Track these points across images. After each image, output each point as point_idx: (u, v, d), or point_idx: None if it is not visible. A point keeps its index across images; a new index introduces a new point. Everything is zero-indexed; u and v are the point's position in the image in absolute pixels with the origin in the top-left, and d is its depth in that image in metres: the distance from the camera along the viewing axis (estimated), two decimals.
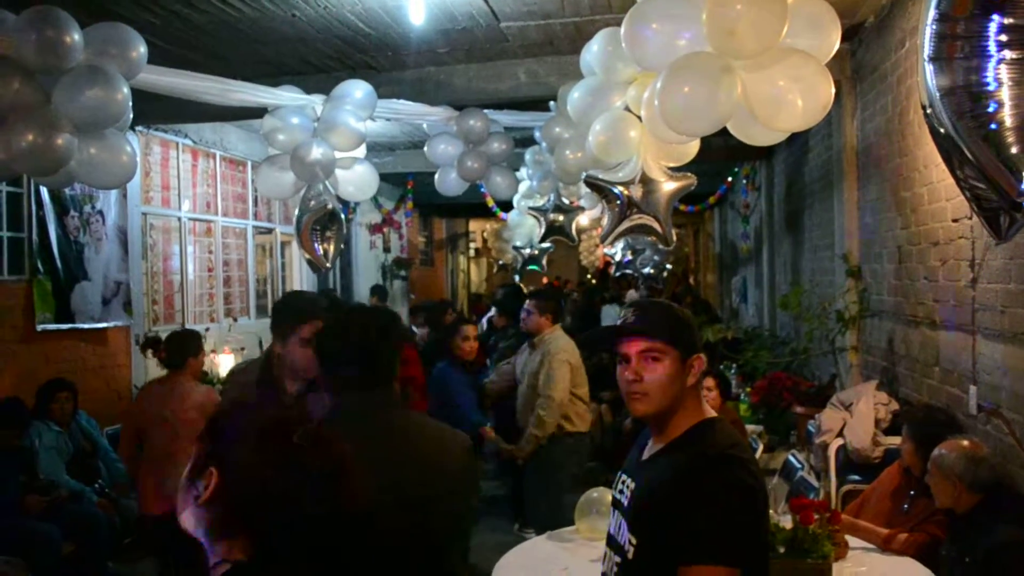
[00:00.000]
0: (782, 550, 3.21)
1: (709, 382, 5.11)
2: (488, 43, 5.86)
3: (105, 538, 5.33)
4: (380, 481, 1.59)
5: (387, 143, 9.98)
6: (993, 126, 2.17)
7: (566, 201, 7.48)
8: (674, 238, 4.74)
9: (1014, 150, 2.15)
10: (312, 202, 5.62)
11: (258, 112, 5.57)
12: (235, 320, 9.23)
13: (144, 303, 7.73)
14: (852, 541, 3.48)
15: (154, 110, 5.65)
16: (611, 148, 4.22)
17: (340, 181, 5.75)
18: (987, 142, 2.17)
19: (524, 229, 10.33)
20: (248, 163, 9.47)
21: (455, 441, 2.28)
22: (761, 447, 5.60)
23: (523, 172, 7.54)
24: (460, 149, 6.29)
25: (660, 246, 8.00)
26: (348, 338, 2.25)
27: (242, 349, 8.61)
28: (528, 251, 10.68)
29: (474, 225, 21.05)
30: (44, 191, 6.31)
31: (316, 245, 5.73)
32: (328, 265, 5.90)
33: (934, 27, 2.33)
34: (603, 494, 3.59)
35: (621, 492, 2.08)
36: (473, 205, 13.14)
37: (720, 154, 9.43)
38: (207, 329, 8.11)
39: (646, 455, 2.07)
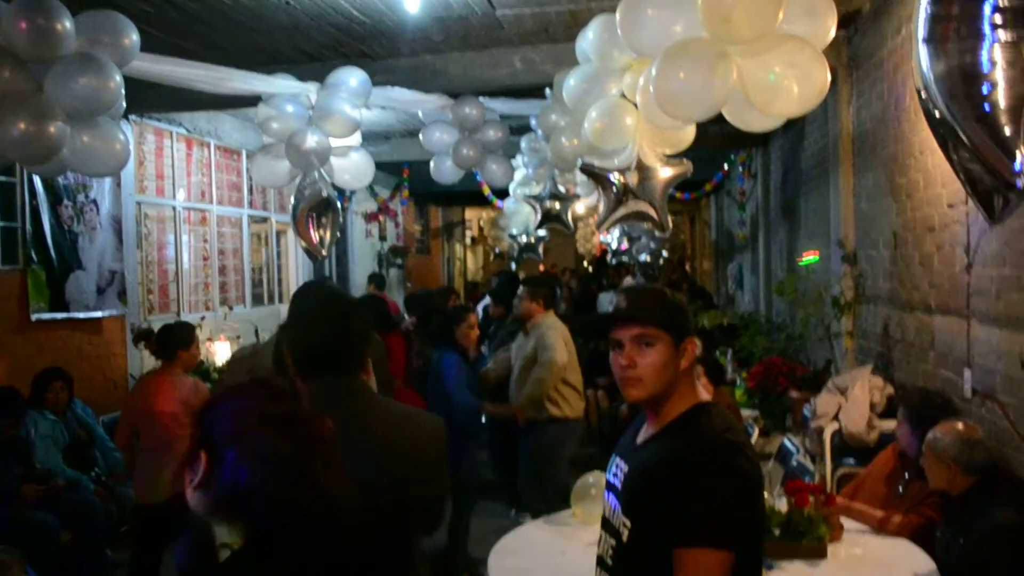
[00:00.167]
0: (778, 533, 3.24)
1: (697, 369, 5.11)
2: (483, 31, 5.84)
3: (102, 526, 5.33)
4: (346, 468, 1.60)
5: (383, 131, 9.95)
6: (987, 107, 2.18)
7: (562, 189, 7.47)
8: (670, 224, 4.75)
9: (1008, 131, 2.15)
10: (307, 190, 5.62)
11: (253, 101, 5.55)
12: (231, 309, 9.22)
13: (139, 292, 7.72)
14: (847, 523, 3.50)
15: (148, 99, 5.63)
16: (607, 135, 4.22)
17: (335, 169, 5.75)
18: (981, 123, 2.18)
19: (520, 217, 10.33)
20: (243, 152, 9.44)
21: (425, 427, 2.26)
22: (757, 432, 5.62)
23: (519, 160, 7.54)
24: (455, 137, 6.29)
25: (656, 233, 8.01)
26: (314, 326, 2.26)
27: (238, 338, 8.61)
28: (524, 239, 10.68)
29: (470, 213, 21.03)
30: (37, 180, 6.29)
31: (312, 233, 5.73)
32: (324, 253, 5.90)
33: (929, 8, 2.33)
34: (599, 478, 3.60)
35: (615, 475, 2.08)
36: (469, 193, 13.12)
37: (716, 141, 9.41)
38: (203, 318, 8.10)
39: (640, 439, 2.07)
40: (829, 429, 4.88)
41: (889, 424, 4.47)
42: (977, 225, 3.92)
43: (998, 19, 2.18)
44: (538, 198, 7.56)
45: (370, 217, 13.46)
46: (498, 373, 5.97)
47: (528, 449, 5.47)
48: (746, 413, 6.02)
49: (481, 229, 21.19)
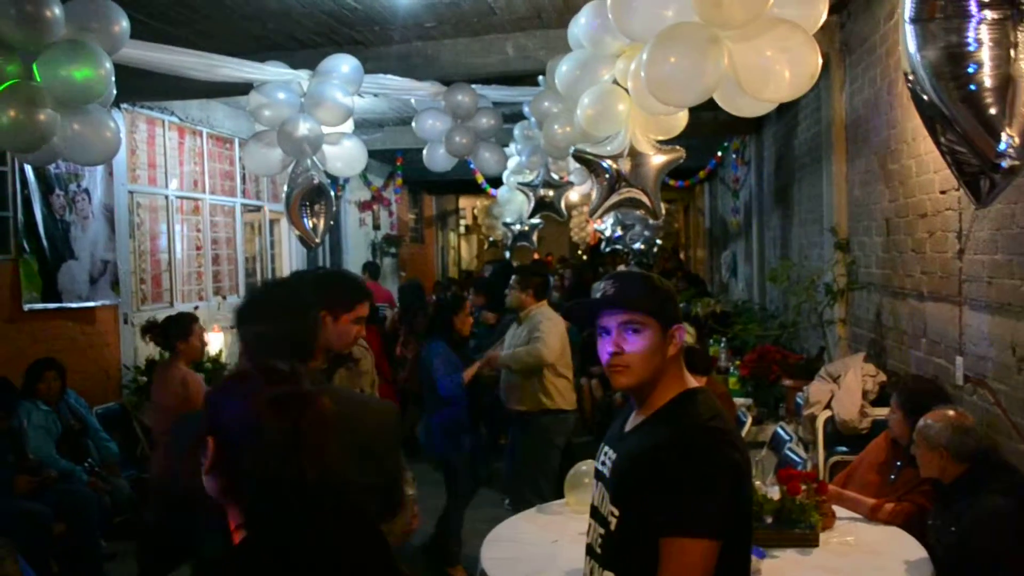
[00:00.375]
0: (770, 520, 3.24)
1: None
2: (476, 17, 5.81)
3: (95, 517, 5.33)
4: None
5: (376, 119, 9.92)
6: (972, 87, 2.17)
7: (555, 176, 7.45)
8: (663, 211, 4.74)
9: (993, 111, 2.15)
10: (300, 178, 5.60)
11: (244, 88, 5.52)
12: (224, 298, 9.20)
13: (132, 282, 7.69)
14: (839, 511, 3.51)
15: (139, 87, 5.59)
16: (599, 121, 4.21)
17: (328, 157, 5.73)
18: (966, 103, 2.17)
19: (514, 205, 10.30)
20: (235, 140, 9.39)
21: (374, 413, 2.27)
22: (750, 420, 5.63)
23: (512, 148, 7.51)
24: (448, 125, 6.27)
25: (649, 220, 8.00)
26: (265, 314, 2.31)
27: (232, 327, 8.58)
28: (518, 227, 10.66)
29: (464, 202, 21.00)
30: (29, 170, 6.26)
31: (305, 220, 5.71)
32: (318, 240, 5.88)
33: None
34: (592, 467, 3.59)
35: (603, 464, 2.07)
36: (463, 182, 13.10)
37: (709, 128, 9.41)
38: (196, 308, 8.08)
39: (628, 426, 2.06)
40: (822, 417, 4.89)
41: (881, 412, 4.48)
42: (969, 211, 3.91)
43: None
44: (531, 186, 7.53)
45: (364, 206, 13.43)
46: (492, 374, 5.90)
47: (520, 439, 5.47)
48: (739, 401, 6.02)
49: (475, 218, 21.16)
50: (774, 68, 3.11)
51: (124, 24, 4.02)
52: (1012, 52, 2.12)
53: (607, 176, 4.35)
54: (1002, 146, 2.16)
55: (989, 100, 2.15)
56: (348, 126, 5.81)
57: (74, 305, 6.78)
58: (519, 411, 5.41)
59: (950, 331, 4.19)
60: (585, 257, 20.14)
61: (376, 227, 14.13)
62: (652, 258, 15.26)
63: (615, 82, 4.13)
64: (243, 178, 9.73)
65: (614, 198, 4.40)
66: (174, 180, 8.39)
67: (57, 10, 3.70)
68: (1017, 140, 2.14)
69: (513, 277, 5.63)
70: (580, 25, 4.14)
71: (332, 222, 6.11)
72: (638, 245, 14.22)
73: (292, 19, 5.75)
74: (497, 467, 6.60)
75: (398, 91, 6.16)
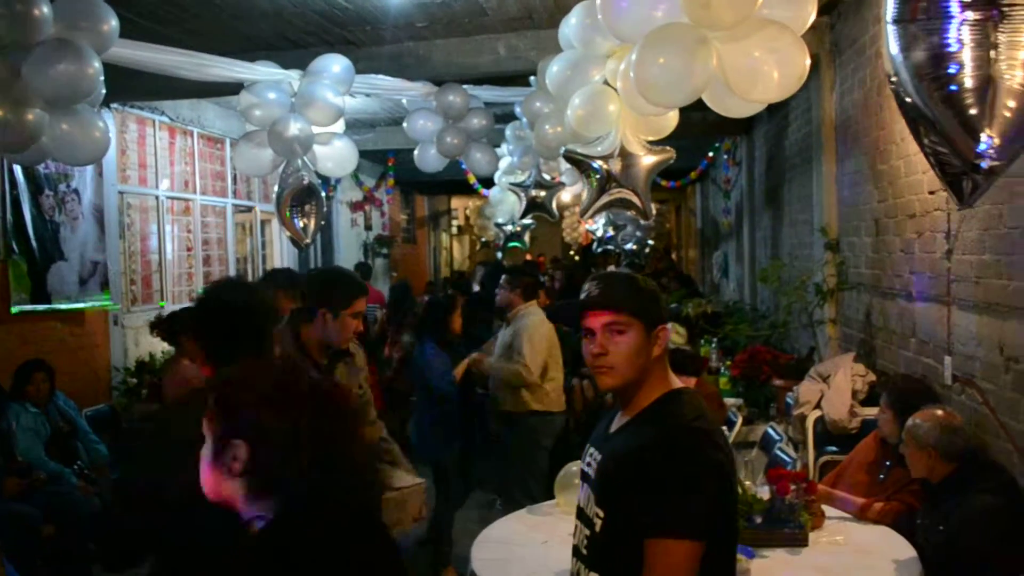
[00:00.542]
0: (759, 520, 3.25)
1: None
2: (467, 17, 5.81)
3: (85, 519, 5.31)
4: None
5: (368, 120, 9.90)
6: (953, 88, 2.17)
7: (547, 177, 7.44)
8: (653, 212, 4.74)
9: (973, 111, 2.15)
10: (290, 178, 5.58)
11: (235, 88, 5.50)
12: None
13: (122, 283, 7.67)
14: (828, 511, 3.52)
15: (130, 87, 5.57)
16: (590, 122, 4.21)
17: (319, 157, 5.71)
18: (947, 104, 2.18)
19: (506, 206, 10.30)
20: (227, 140, 9.37)
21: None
22: (740, 420, 5.64)
23: (504, 148, 7.51)
24: (439, 125, 6.26)
25: (640, 220, 7.99)
26: (219, 313, 2.38)
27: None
28: (510, 228, 10.65)
29: (456, 202, 20.99)
30: (18, 170, 6.23)
31: (296, 221, 5.70)
32: (308, 241, 5.87)
33: None
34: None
35: (589, 465, 2.07)
36: (455, 182, 13.09)
37: (700, 128, 9.42)
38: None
39: (613, 427, 2.06)
40: (811, 417, 4.90)
41: (871, 411, 4.49)
42: (957, 212, 3.93)
43: None
44: (523, 186, 7.53)
45: (355, 206, 13.41)
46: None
47: (509, 441, 5.48)
48: (730, 401, 6.03)
49: (467, 218, 21.16)
50: (762, 69, 3.12)
51: (113, 23, 4.00)
52: (992, 53, 2.13)
53: (597, 177, 4.35)
54: (982, 146, 2.17)
55: (969, 101, 2.16)
56: (339, 126, 5.80)
57: (64, 306, 6.75)
58: (507, 412, 5.41)
59: (939, 331, 4.20)
60: (577, 258, 20.12)
61: (368, 227, 14.11)
62: (644, 258, 15.26)
63: (606, 83, 4.13)
64: (234, 178, 9.70)
65: (604, 199, 4.40)
66: (165, 180, 8.37)
67: (45, 9, 3.69)
68: (997, 141, 2.15)
69: (503, 277, 5.64)
70: (571, 26, 4.14)
71: (323, 222, 6.10)
72: (630, 245, 14.21)
73: (283, 19, 5.75)
74: (488, 467, 6.59)
75: (389, 91, 6.16)
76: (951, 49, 2.16)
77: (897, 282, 4.84)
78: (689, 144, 10.81)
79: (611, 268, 13.32)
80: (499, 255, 12.45)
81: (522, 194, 7.58)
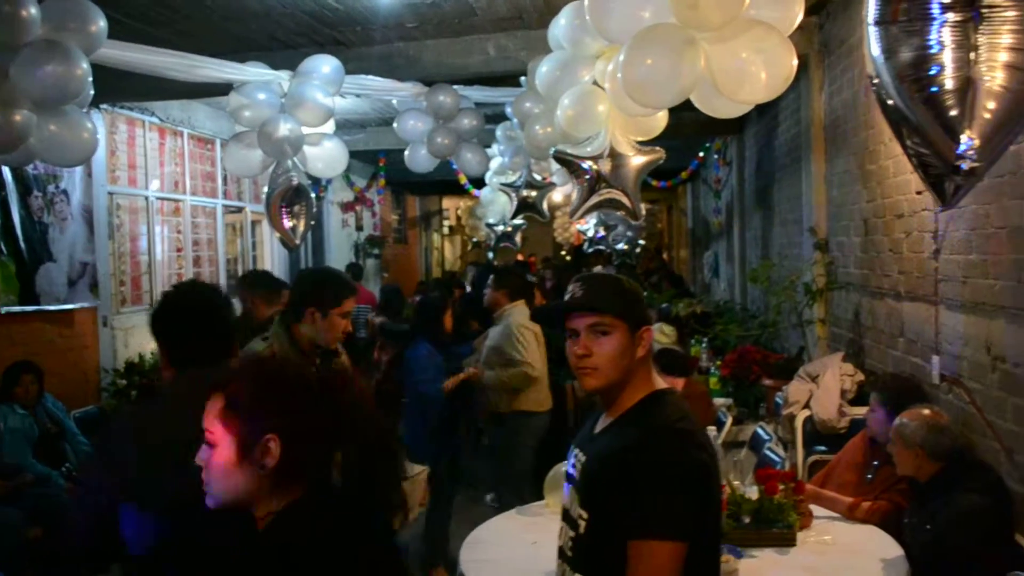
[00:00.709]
0: (748, 520, 3.26)
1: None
2: (457, 17, 5.81)
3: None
4: None
5: (358, 120, 9.89)
6: (933, 89, 2.19)
7: (538, 177, 7.45)
8: (643, 212, 4.75)
9: (953, 113, 2.17)
10: (280, 179, 5.58)
11: (225, 89, 5.49)
12: None
13: (111, 284, 7.64)
14: (816, 510, 3.53)
15: (119, 87, 5.55)
16: (579, 122, 4.21)
17: (309, 157, 5.70)
18: (927, 105, 2.19)
19: (497, 206, 10.30)
20: (217, 141, 9.34)
21: None
22: (730, 420, 5.65)
23: (495, 148, 7.51)
24: (430, 125, 6.26)
25: (630, 221, 8.00)
26: (183, 314, 2.42)
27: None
28: (501, 228, 10.65)
29: (447, 203, 20.98)
30: (6, 170, 6.20)
31: (285, 221, 5.69)
32: (298, 242, 5.86)
33: None
34: None
35: (573, 466, 2.08)
36: (446, 182, 13.08)
37: (691, 129, 9.44)
38: None
39: (598, 428, 2.06)
40: (801, 416, 4.91)
41: (860, 411, 4.51)
42: (944, 212, 3.95)
43: None
44: (514, 187, 7.54)
45: (346, 207, 13.39)
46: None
47: (496, 442, 5.50)
48: (720, 401, 6.04)
49: (459, 218, 21.15)
50: (750, 70, 3.13)
51: (102, 24, 3.99)
52: (972, 55, 2.15)
53: (587, 177, 4.36)
54: (962, 148, 2.18)
55: (950, 102, 2.17)
56: (329, 127, 5.79)
57: (52, 308, 6.72)
58: (494, 412, 5.43)
59: (926, 330, 4.22)
60: (568, 258, 20.13)
61: (359, 228, 14.09)
62: (635, 258, 15.29)
63: (595, 83, 4.14)
64: (224, 179, 9.68)
65: (594, 199, 4.41)
66: (155, 181, 8.34)
67: (33, 10, 3.68)
68: (977, 142, 2.16)
69: (491, 277, 5.65)
70: (560, 26, 4.15)
71: (313, 223, 6.09)
72: (621, 246, 14.25)
73: (273, 19, 5.73)
74: (479, 467, 6.60)
75: (379, 92, 6.15)
76: (932, 51, 2.18)
77: (885, 282, 4.86)
78: (680, 144, 10.83)
79: (597, 269, 13.35)
80: (490, 255, 12.44)
81: (513, 194, 7.59)
